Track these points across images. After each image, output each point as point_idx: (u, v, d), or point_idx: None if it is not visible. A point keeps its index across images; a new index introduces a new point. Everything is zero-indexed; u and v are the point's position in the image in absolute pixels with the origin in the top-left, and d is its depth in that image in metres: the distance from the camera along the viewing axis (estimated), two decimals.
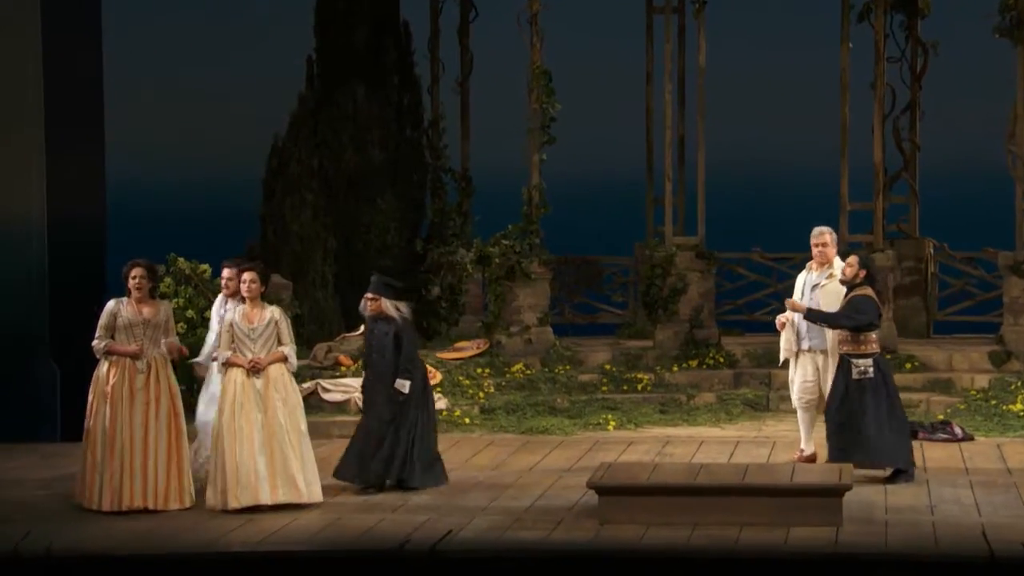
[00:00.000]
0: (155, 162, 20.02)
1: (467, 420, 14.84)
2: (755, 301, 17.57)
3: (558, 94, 16.34)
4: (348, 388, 14.87)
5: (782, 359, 12.93)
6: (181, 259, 14.88)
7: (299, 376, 14.60)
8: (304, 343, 15.80)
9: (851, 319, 12.08)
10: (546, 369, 16.06)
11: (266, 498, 11.34)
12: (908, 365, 15.81)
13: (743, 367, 16.09)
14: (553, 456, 13.45)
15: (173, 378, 11.60)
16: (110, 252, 14.43)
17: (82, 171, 14.63)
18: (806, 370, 12.75)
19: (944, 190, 18.56)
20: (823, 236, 12.80)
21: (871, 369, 12.02)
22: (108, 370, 11.47)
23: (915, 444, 12.75)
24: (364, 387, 12.34)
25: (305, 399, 13.90)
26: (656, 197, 17.45)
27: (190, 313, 14.03)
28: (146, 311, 11.48)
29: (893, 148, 17.27)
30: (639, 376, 15.91)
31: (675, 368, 15.98)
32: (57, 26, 14.18)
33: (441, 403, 14.92)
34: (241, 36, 20.32)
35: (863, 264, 12.29)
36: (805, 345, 12.72)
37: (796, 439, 13.22)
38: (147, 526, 11.06)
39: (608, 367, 16.16)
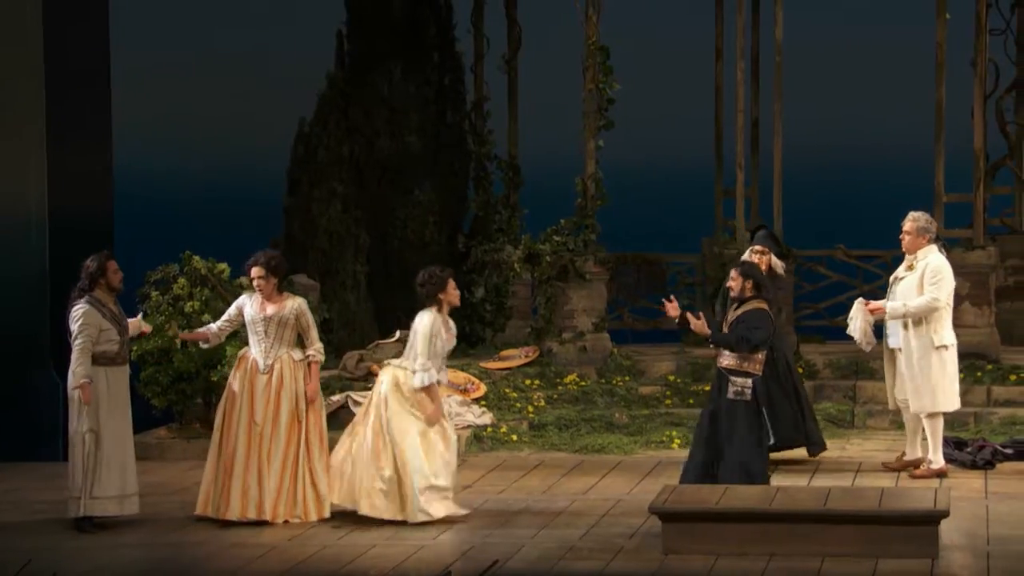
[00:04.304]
0: (167, 149, 20.13)
1: (514, 437, 14.89)
2: (838, 304, 17.42)
3: (617, 73, 16.34)
4: None
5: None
6: (196, 258, 14.90)
7: (327, 388, 14.73)
8: (333, 351, 15.89)
9: (747, 341, 12.06)
10: (603, 380, 16.10)
11: None
12: (1012, 377, 15.68)
13: (824, 379, 16.09)
14: (611, 478, 13.47)
15: (301, 382, 11.92)
16: (118, 249, 14.48)
17: (87, 159, 14.70)
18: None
19: None
20: (904, 222, 13.05)
21: (748, 390, 12.13)
22: (234, 372, 11.94)
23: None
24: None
25: (334, 413, 14.05)
26: (726, 188, 17.46)
27: (206, 317, 14.08)
28: (270, 308, 11.97)
29: (996, 132, 17.22)
30: (707, 388, 15.87)
31: None
32: None
33: (486, 418, 14.98)
34: (261, 5, 20.43)
35: (746, 274, 12.30)
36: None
37: (886, 459, 13.63)
38: (170, 551, 11.12)
39: (672, 378, 16.19)
